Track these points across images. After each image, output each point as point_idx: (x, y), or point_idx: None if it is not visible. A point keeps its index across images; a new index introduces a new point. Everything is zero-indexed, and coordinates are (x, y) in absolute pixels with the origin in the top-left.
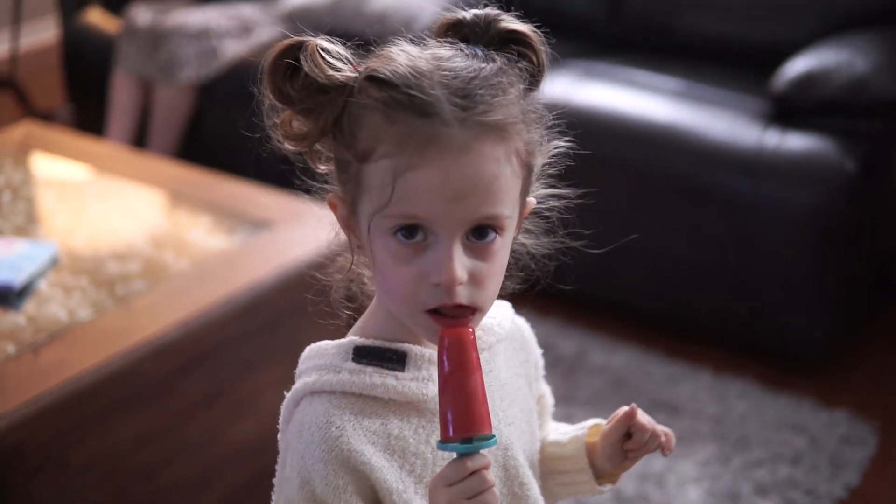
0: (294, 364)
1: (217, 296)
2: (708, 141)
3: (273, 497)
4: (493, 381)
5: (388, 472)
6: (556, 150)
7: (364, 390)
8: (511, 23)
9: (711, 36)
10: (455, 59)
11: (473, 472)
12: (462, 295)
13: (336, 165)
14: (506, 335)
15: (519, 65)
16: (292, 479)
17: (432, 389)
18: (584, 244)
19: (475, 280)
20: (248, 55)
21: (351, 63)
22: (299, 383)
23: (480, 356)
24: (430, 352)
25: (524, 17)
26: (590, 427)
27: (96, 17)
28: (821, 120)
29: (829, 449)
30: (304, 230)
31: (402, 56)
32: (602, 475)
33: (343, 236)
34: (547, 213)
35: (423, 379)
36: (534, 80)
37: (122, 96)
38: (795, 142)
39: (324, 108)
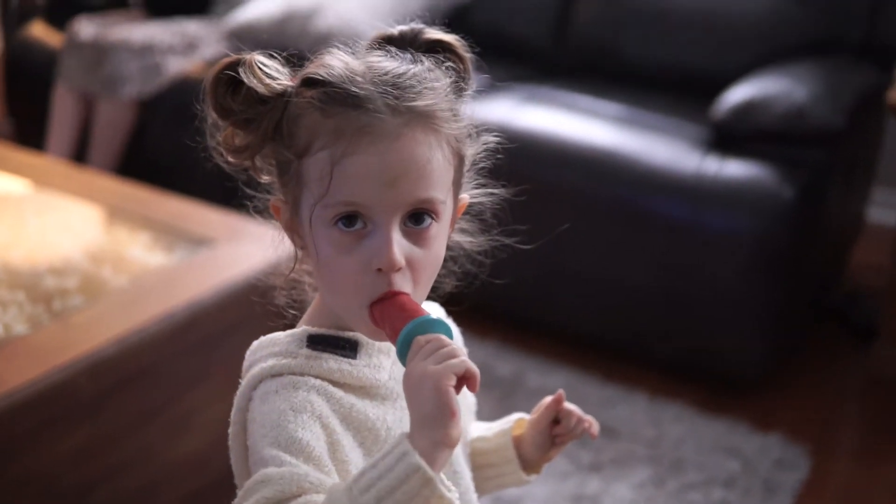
0: (233, 381)
1: (155, 312)
2: (648, 166)
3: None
4: None
5: (344, 438)
6: (486, 146)
7: (321, 374)
8: (436, 33)
9: (654, 63)
10: (385, 60)
11: (427, 343)
12: (398, 283)
13: (278, 169)
14: None
15: (445, 64)
16: (260, 441)
17: (383, 375)
18: (522, 265)
19: (412, 267)
20: (191, 72)
21: (288, 74)
22: (255, 369)
23: None
24: (379, 343)
25: (468, 39)
26: (514, 421)
27: (39, 31)
28: (760, 148)
29: (763, 472)
30: (245, 247)
31: (336, 59)
32: (528, 466)
33: (287, 242)
34: (481, 212)
35: (374, 366)
36: (461, 83)
37: (63, 110)
38: (735, 169)
39: (264, 116)
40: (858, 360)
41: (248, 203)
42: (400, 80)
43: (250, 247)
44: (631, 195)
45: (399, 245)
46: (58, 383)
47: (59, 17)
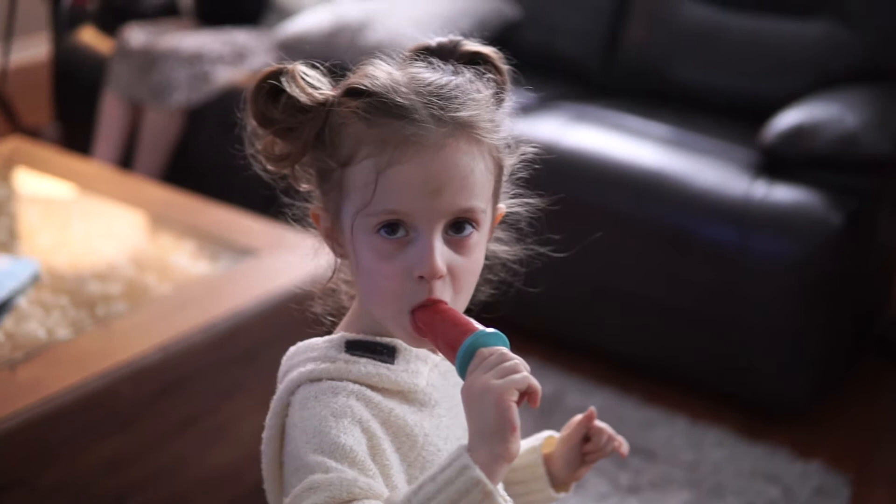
0: (271, 393)
1: (198, 321)
2: (695, 189)
3: (285, 493)
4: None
5: (385, 443)
6: (524, 156)
7: (360, 378)
8: (475, 45)
9: (703, 86)
10: (427, 72)
11: (490, 356)
12: (438, 291)
13: (318, 177)
14: None
15: (486, 76)
16: (303, 450)
17: (421, 381)
18: (566, 284)
19: (453, 275)
20: (240, 81)
21: (330, 84)
22: (293, 374)
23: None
24: (417, 350)
25: (517, 57)
26: (545, 438)
27: (89, 37)
28: (809, 174)
29: (803, 500)
30: (289, 259)
31: (379, 70)
32: (557, 484)
33: (325, 250)
34: (518, 221)
35: (412, 371)
36: (499, 93)
37: (110, 116)
38: (783, 194)
39: (305, 125)
40: None
41: (287, 212)
42: (443, 90)
43: (293, 257)
44: (677, 217)
45: (441, 253)
46: (98, 390)
47: (110, 24)
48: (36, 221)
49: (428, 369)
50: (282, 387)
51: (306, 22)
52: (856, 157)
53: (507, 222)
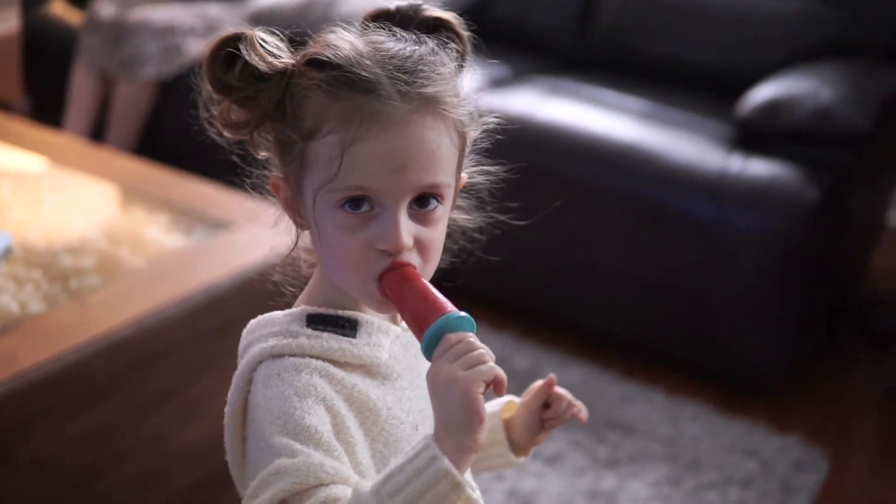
0: None
1: (172, 294)
2: (671, 163)
3: (247, 472)
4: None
5: (349, 420)
6: (487, 126)
7: (322, 353)
8: (434, 11)
9: (678, 60)
10: (390, 42)
11: (458, 343)
12: (409, 257)
13: (278, 147)
14: None
15: (448, 45)
16: (268, 431)
17: (383, 354)
18: (542, 259)
19: (420, 246)
20: None
21: (290, 52)
22: (255, 349)
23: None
24: (378, 320)
25: (491, 31)
26: (504, 403)
27: (59, 9)
28: (785, 147)
29: (781, 474)
30: (263, 232)
31: (341, 41)
32: (517, 449)
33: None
34: (481, 191)
35: (374, 345)
36: (461, 62)
37: (81, 89)
38: (758, 168)
39: (264, 93)
40: (878, 364)
41: (246, 180)
42: (407, 63)
43: (267, 230)
44: (653, 191)
45: (406, 227)
46: (72, 364)
47: None
48: (7, 195)
49: (390, 341)
50: (243, 362)
51: None
52: (831, 132)
53: (472, 192)
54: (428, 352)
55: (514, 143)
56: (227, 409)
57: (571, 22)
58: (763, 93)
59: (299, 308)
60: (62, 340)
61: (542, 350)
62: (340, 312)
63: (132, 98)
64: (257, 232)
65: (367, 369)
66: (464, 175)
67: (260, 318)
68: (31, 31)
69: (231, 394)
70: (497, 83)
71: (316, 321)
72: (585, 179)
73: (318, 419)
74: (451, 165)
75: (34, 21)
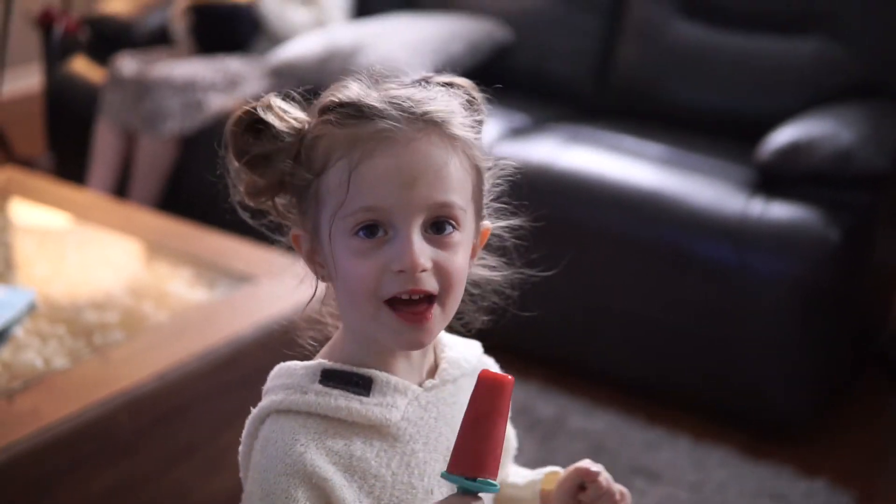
0: None
1: (196, 349)
2: (692, 208)
3: None
4: (458, 415)
5: (347, 491)
6: (504, 171)
7: (329, 412)
8: (448, 77)
9: (696, 105)
10: (399, 87)
11: None
12: (427, 282)
13: (297, 198)
14: (471, 370)
15: (456, 92)
16: (253, 494)
17: (395, 415)
18: (565, 306)
19: (439, 271)
20: (233, 108)
21: (305, 115)
22: (266, 401)
23: (445, 388)
24: (396, 379)
25: (511, 81)
26: (546, 474)
27: (81, 66)
28: (805, 190)
29: None
30: (286, 284)
31: (350, 86)
32: None
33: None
34: (506, 245)
35: (386, 405)
36: (474, 113)
37: (104, 145)
38: (779, 211)
39: (281, 151)
40: None
41: (281, 239)
42: (413, 95)
43: (291, 283)
44: (675, 236)
45: (421, 247)
46: (96, 419)
47: (102, 53)
48: (31, 251)
49: (406, 402)
50: (255, 411)
51: (298, 48)
52: (852, 173)
53: (497, 245)
54: (450, 479)
55: (535, 191)
56: (240, 449)
57: (590, 70)
58: (783, 136)
59: (317, 362)
60: (86, 396)
61: (567, 398)
62: (356, 370)
63: (155, 153)
64: (280, 285)
65: (376, 430)
66: (487, 223)
67: (282, 365)
68: (54, 89)
69: (243, 437)
70: (517, 132)
71: (329, 377)
72: (607, 226)
73: (302, 499)
74: (463, 187)
75: (57, 78)
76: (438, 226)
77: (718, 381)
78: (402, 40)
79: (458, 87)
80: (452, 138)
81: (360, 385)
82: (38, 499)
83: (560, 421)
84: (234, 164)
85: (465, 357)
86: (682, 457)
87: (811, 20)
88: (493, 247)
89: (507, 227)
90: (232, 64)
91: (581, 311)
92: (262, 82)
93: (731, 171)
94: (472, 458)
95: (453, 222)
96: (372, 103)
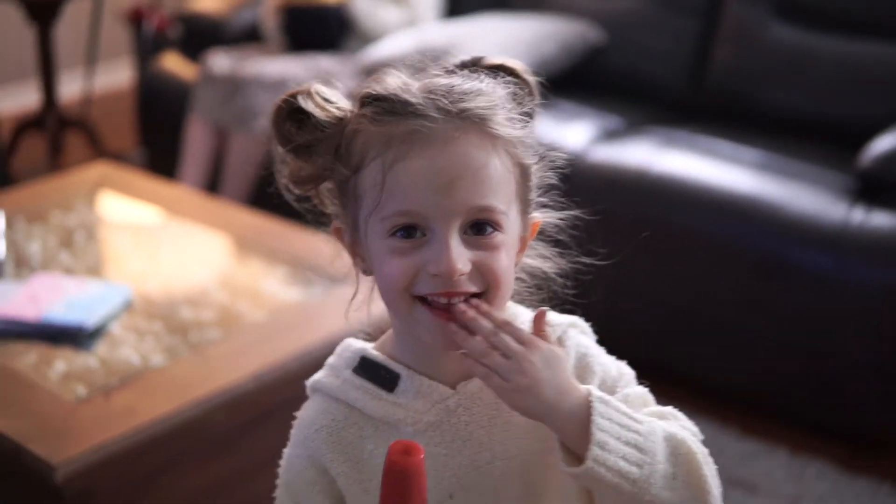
0: None
1: (293, 348)
2: (791, 215)
3: None
4: (502, 417)
5: (352, 485)
6: (555, 162)
7: (350, 401)
8: (498, 59)
9: (794, 110)
10: (442, 76)
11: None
12: (465, 284)
13: (339, 192)
14: None
15: (505, 80)
16: (282, 466)
17: (412, 416)
18: (659, 312)
19: (482, 270)
20: None
21: (349, 103)
22: (318, 373)
23: (485, 389)
24: (422, 379)
25: (604, 82)
26: None
27: (173, 63)
28: None
29: None
30: None
31: (390, 76)
32: None
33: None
34: (558, 236)
35: (403, 405)
36: (523, 102)
37: (196, 142)
38: (882, 220)
39: (323, 141)
40: None
41: (326, 228)
42: (454, 87)
43: None
44: (774, 243)
45: (459, 250)
46: (194, 417)
47: (193, 50)
48: (126, 246)
49: (431, 404)
50: (308, 381)
51: (390, 47)
52: None
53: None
54: None
55: (632, 195)
56: None
57: (684, 72)
58: (885, 142)
59: (362, 347)
60: (182, 394)
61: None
62: (389, 363)
63: (247, 151)
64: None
65: (393, 427)
66: (538, 215)
67: (347, 339)
68: (145, 85)
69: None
70: (611, 134)
71: (363, 367)
72: (704, 231)
73: (312, 482)
74: (504, 190)
75: (148, 74)
76: (479, 227)
77: (816, 392)
78: (495, 40)
79: (509, 71)
80: (494, 137)
81: (387, 380)
82: (135, 497)
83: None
84: (279, 150)
85: None
86: (779, 469)
87: None
88: (547, 236)
89: (562, 217)
90: (323, 62)
91: (675, 315)
92: (353, 80)
93: (830, 177)
94: None
95: (494, 225)
96: (407, 98)
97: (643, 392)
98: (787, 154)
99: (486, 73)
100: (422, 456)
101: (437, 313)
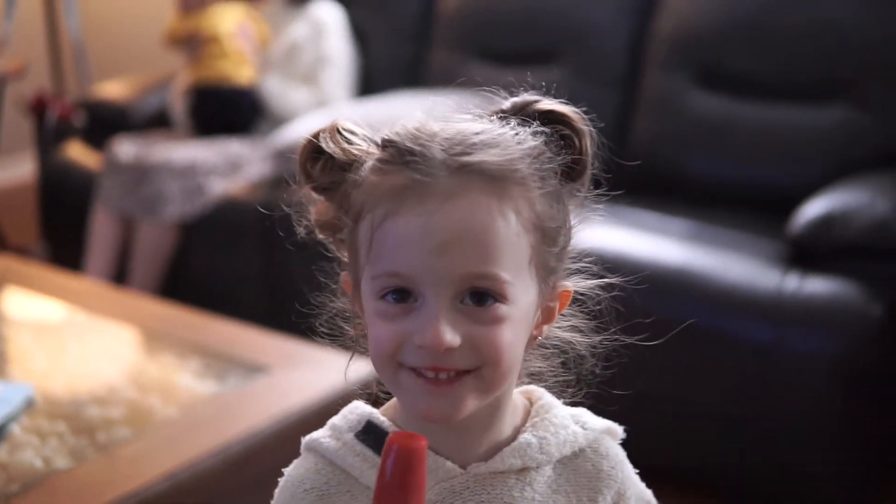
0: None
1: (209, 445)
2: (724, 285)
3: None
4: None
5: None
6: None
7: (347, 467)
8: (550, 104)
9: (719, 178)
10: (467, 121)
11: None
12: (454, 360)
13: (347, 242)
14: (567, 458)
15: (540, 130)
16: None
17: None
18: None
19: (475, 346)
20: (234, 192)
21: (371, 141)
22: (318, 431)
23: (499, 477)
24: (432, 456)
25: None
26: None
27: (76, 152)
28: (843, 264)
29: None
30: (303, 374)
31: (413, 121)
32: None
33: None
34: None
35: None
36: (572, 162)
37: (101, 233)
38: (817, 286)
39: (340, 184)
40: None
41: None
42: (467, 136)
43: (309, 373)
44: (707, 315)
45: (449, 322)
46: None
47: (98, 137)
48: (28, 343)
49: (433, 482)
50: (303, 440)
51: (302, 129)
52: (890, 244)
53: (580, 305)
54: None
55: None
56: None
57: (604, 145)
58: (815, 208)
59: (368, 410)
60: (91, 499)
61: None
62: (393, 431)
63: (155, 240)
64: (297, 375)
65: None
66: (567, 284)
67: (354, 402)
68: (47, 175)
69: None
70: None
71: (368, 431)
72: (633, 306)
73: None
74: (513, 257)
75: (51, 165)
76: (478, 296)
77: (758, 467)
78: (410, 117)
79: (559, 119)
80: (506, 197)
81: None
82: None
83: None
84: (304, 189)
85: (559, 442)
86: None
87: (834, 89)
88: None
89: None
90: (233, 146)
91: (606, 395)
92: (264, 165)
93: (761, 245)
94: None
95: (497, 296)
96: (411, 146)
97: None
98: (715, 223)
99: (524, 121)
100: (426, 444)
101: (424, 380)
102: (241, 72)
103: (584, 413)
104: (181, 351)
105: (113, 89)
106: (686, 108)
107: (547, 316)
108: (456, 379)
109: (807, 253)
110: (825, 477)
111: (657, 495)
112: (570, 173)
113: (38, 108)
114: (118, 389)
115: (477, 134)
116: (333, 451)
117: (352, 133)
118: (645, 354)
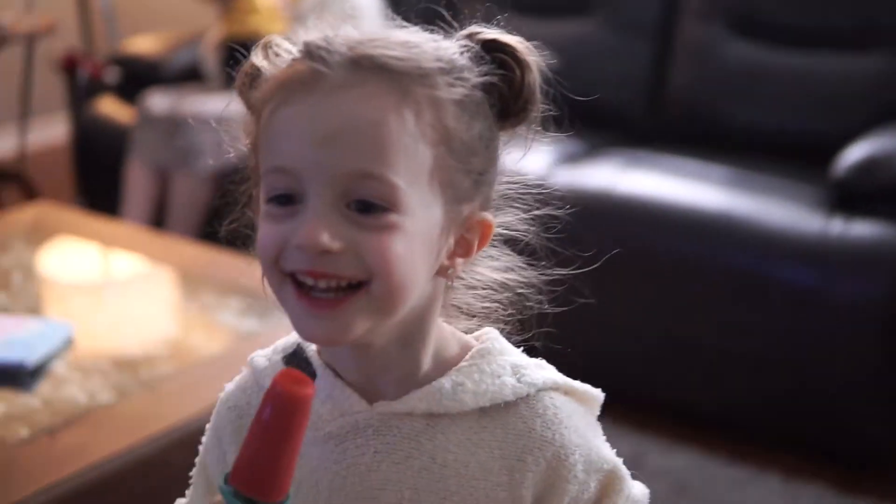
0: None
1: None
2: (766, 230)
3: None
4: (425, 462)
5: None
6: (511, 140)
7: (265, 387)
8: (494, 33)
9: (756, 126)
10: (401, 31)
11: None
12: (335, 265)
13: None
14: (498, 411)
15: (464, 42)
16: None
17: (312, 421)
18: (635, 338)
19: (362, 249)
20: None
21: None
22: (263, 349)
23: (406, 421)
24: (341, 388)
25: (558, 105)
26: None
27: (109, 107)
28: (886, 206)
29: None
30: None
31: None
32: None
33: None
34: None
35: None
36: (510, 94)
37: (137, 186)
38: (861, 229)
39: None
40: None
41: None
42: (377, 36)
43: None
44: (749, 261)
45: (329, 222)
46: (148, 456)
47: (131, 93)
48: (67, 285)
49: (336, 414)
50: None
51: None
52: None
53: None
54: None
55: (596, 219)
56: None
57: (642, 95)
58: (857, 152)
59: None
60: (135, 431)
61: (642, 435)
62: (319, 359)
63: (191, 192)
64: None
65: None
66: (487, 215)
67: None
68: (81, 133)
69: None
70: (570, 158)
71: (294, 356)
72: (676, 252)
73: (208, 443)
74: (407, 162)
75: (84, 122)
76: (366, 204)
77: (805, 413)
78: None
79: (502, 49)
80: (408, 94)
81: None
82: None
83: (638, 459)
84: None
85: (478, 391)
86: (772, 495)
87: (872, 36)
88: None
89: (531, 220)
90: None
91: (653, 342)
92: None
93: (802, 190)
94: (255, 476)
95: (385, 204)
96: (317, 42)
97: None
98: (755, 169)
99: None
100: (311, 392)
101: (305, 299)
102: (273, 26)
103: (533, 365)
104: (222, 291)
105: (144, 44)
106: (723, 56)
107: (464, 248)
108: (344, 298)
109: (850, 197)
110: (872, 419)
111: (704, 443)
112: (509, 105)
113: (69, 67)
114: (160, 328)
115: (386, 34)
116: (261, 370)
117: (278, 46)
118: (681, 300)
